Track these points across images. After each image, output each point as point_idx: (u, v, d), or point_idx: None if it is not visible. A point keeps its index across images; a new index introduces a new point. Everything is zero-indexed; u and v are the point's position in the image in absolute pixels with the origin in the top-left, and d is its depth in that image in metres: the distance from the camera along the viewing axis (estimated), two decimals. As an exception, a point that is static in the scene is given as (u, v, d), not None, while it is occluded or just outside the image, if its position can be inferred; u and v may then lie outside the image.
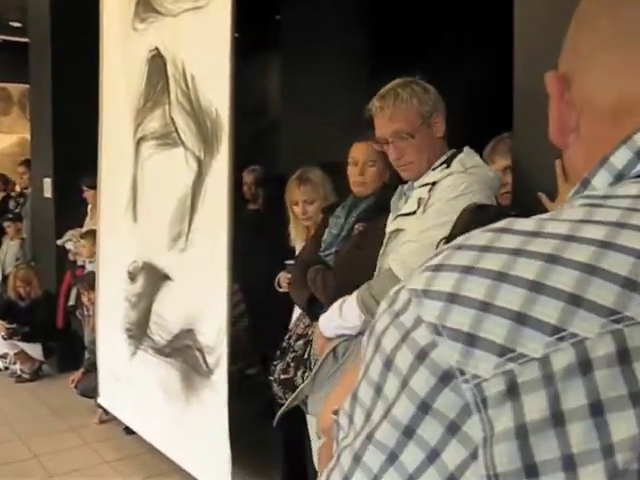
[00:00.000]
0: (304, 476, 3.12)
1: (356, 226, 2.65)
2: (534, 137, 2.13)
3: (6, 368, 5.84)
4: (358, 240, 2.50)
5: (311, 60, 5.92)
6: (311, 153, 4.73)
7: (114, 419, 4.51)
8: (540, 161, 2.09)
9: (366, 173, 2.67)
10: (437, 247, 1.96)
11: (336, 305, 2.25)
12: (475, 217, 1.96)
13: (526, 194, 2.15)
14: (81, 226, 5.63)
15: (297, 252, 3.34)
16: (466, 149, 2.21)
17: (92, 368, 4.69)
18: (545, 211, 2.03)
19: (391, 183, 2.49)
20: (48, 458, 4.09)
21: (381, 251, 2.25)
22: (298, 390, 2.40)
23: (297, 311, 3.17)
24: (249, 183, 4.84)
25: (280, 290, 3.32)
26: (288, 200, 3.28)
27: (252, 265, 3.79)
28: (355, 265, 2.31)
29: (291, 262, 3.33)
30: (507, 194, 2.51)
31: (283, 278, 3.30)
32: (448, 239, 1.93)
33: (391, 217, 2.28)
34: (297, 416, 2.74)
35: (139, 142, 3.95)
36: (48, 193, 6.03)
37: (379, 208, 2.45)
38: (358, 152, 2.71)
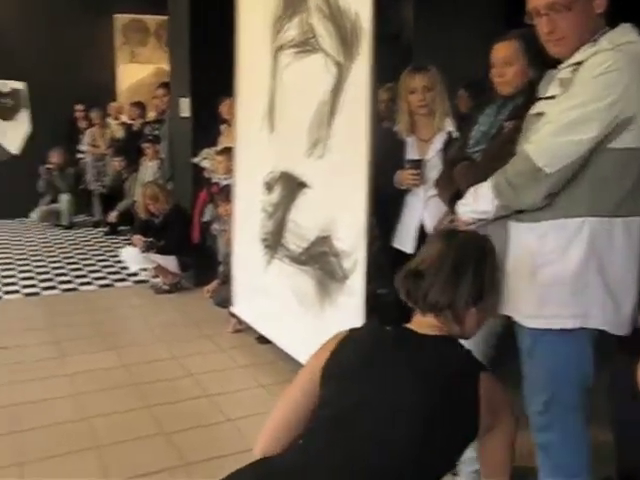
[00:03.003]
0: None
1: (506, 124, 2.58)
2: None
3: (146, 281, 6.13)
4: (511, 134, 2.40)
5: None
6: (446, 74, 4.60)
7: (247, 329, 4.65)
8: None
9: (506, 73, 2.62)
10: None
11: (472, 189, 2.24)
12: None
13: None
14: (215, 145, 5.75)
15: (407, 146, 3.33)
16: (621, 25, 2.01)
17: (227, 279, 4.83)
18: None
19: (539, 81, 2.37)
20: (185, 360, 4.27)
21: (521, 136, 2.19)
22: None
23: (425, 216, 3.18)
24: (385, 100, 4.74)
25: (401, 187, 3.27)
26: (403, 89, 3.30)
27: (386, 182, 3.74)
28: (506, 158, 2.22)
29: (412, 158, 3.26)
30: None
31: (404, 175, 3.24)
32: None
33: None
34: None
35: (277, 52, 3.93)
36: (185, 112, 6.18)
37: (528, 105, 2.34)
38: (495, 53, 2.68)
